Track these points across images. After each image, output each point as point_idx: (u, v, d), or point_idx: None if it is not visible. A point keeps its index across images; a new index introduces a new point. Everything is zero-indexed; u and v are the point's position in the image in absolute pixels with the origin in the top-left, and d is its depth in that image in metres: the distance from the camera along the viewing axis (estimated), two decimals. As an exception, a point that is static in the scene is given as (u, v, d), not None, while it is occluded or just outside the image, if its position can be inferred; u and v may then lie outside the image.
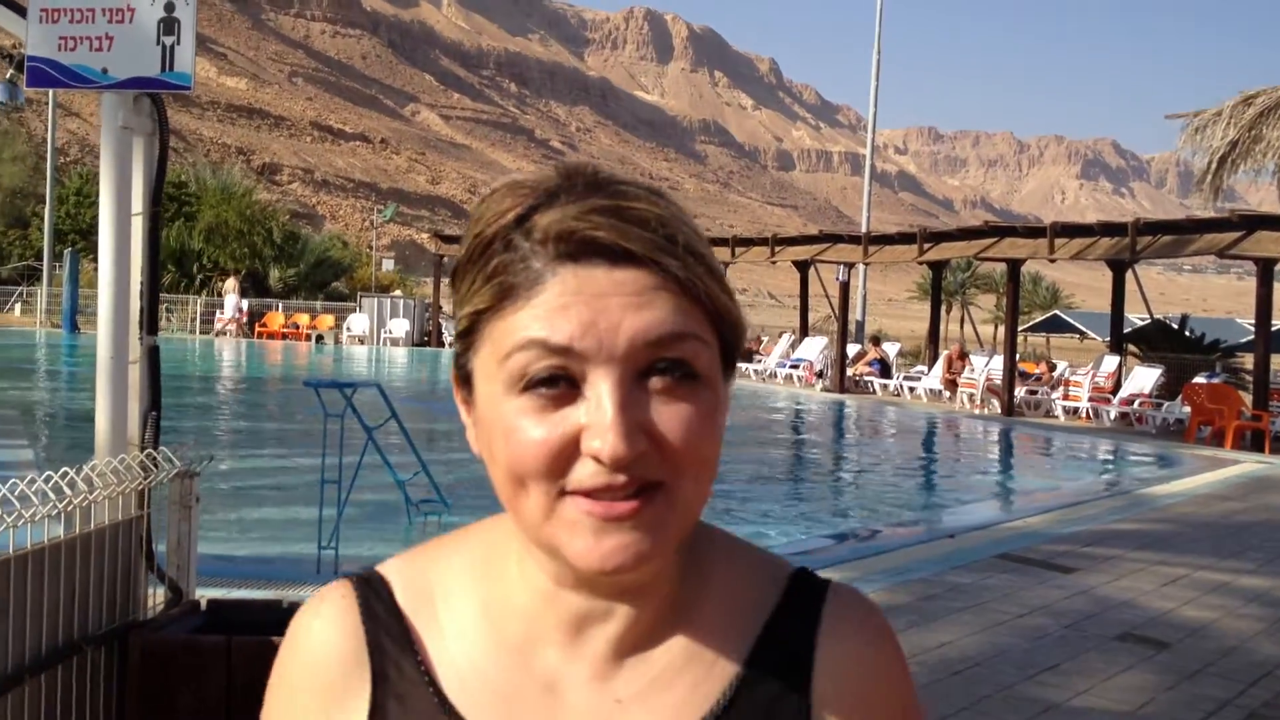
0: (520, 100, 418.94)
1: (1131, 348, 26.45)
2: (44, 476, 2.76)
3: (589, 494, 0.82)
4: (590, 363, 0.81)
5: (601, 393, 0.81)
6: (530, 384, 0.82)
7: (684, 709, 0.92)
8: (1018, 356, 24.85)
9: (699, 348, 0.84)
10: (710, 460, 0.86)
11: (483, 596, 0.95)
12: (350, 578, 0.99)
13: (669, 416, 0.82)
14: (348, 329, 38.02)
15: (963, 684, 5.64)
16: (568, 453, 0.82)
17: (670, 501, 0.83)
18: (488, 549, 0.97)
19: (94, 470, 3.10)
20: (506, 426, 0.83)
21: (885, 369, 27.93)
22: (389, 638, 0.95)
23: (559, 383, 0.82)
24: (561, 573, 0.89)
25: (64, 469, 2.89)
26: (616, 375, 0.81)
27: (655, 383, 0.82)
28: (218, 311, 39.03)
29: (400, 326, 37.95)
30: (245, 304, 38.51)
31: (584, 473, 0.81)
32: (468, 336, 0.88)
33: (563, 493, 0.82)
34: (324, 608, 0.97)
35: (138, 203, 3.46)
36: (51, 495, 2.77)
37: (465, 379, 0.89)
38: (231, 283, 39.15)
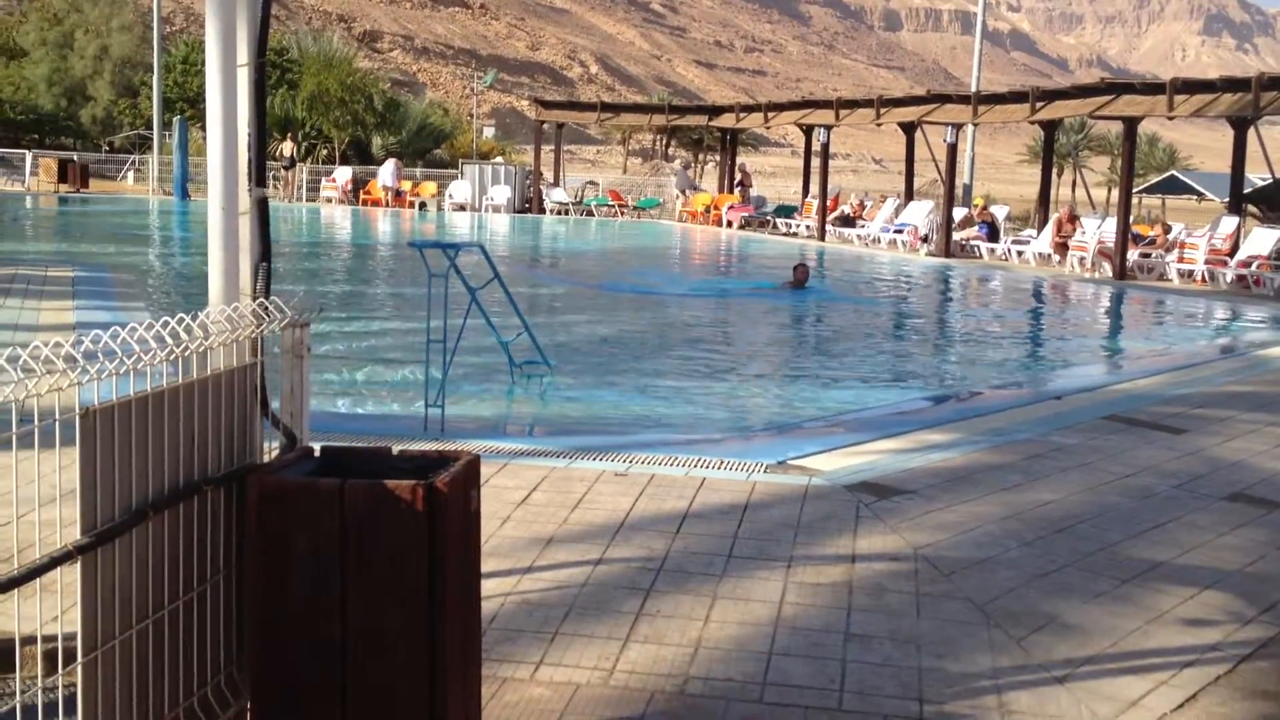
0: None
1: (1251, 209, 25.50)
2: (161, 322, 2.84)
3: None
4: None
5: None
6: None
7: None
8: (1132, 219, 24.14)
9: None
10: None
11: None
12: None
13: None
14: (450, 196, 38.18)
15: (1067, 540, 5.61)
16: None
17: None
18: None
19: (209, 318, 3.18)
20: None
21: (993, 233, 27.34)
22: None
23: None
24: None
25: (180, 315, 2.96)
26: None
27: None
28: (323, 180, 39.59)
29: (501, 193, 38.00)
30: (393, 173, 38.63)
31: None
32: None
33: None
34: None
35: (243, 54, 3.47)
36: (170, 341, 2.85)
37: None
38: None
